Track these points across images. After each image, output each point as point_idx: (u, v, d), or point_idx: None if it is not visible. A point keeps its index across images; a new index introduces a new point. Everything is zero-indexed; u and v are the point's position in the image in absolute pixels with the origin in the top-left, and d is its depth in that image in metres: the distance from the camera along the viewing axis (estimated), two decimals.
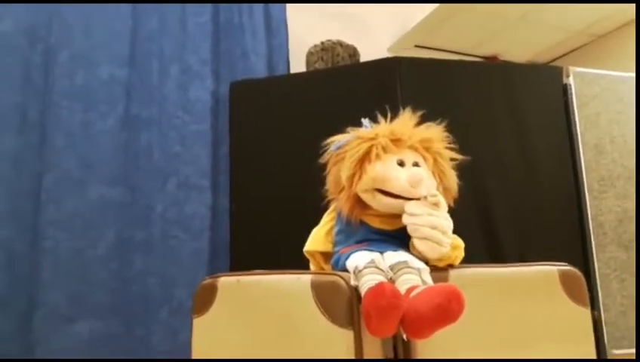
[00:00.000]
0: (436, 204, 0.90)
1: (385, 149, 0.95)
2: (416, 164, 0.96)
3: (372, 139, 0.97)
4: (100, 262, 1.67)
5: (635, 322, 1.69)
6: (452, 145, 1.04)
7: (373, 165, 0.94)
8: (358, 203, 0.96)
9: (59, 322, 1.59)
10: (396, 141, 0.97)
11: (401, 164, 0.94)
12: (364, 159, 0.95)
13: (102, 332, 1.63)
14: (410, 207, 0.90)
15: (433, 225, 0.89)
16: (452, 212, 1.04)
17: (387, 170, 0.93)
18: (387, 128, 0.99)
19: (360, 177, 0.95)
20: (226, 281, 0.95)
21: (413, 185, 0.91)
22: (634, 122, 1.87)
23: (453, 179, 1.02)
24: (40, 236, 1.63)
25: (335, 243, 1.01)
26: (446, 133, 1.04)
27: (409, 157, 0.96)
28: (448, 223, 0.92)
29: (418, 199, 0.92)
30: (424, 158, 0.98)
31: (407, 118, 1.02)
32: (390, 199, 0.92)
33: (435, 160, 0.99)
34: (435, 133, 1.02)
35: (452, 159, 1.03)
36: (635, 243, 1.78)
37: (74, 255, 1.64)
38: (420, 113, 1.03)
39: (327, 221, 1.06)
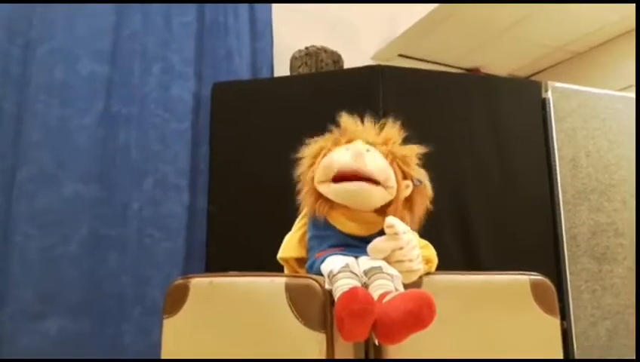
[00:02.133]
0: (396, 234, 0.88)
1: (335, 143, 1.00)
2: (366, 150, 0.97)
3: (325, 138, 1.02)
4: (71, 260, 1.64)
5: (604, 332, 1.72)
6: (411, 141, 1.04)
7: (325, 157, 0.97)
8: (321, 198, 0.98)
9: (27, 319, 1.55)
10: (345, 133, 1.01)
11: (349, 150, 0.96)
12: (317, 155, 1.00)
13: (71, 331, 1.60)
14: (372, 250, 0.89)
15: (399, 259, 0.89)
16: (429, 217, 1.05)
17: (334, 155, 0.96)
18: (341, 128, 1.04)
19: (314, 171, 0.98)
20: (199, 282, 0.94)
21: (354, 156, 0.92)
22: (608, 138, 1.91)
23: (417, 169, 1.01)
24: (10, 231, 1.59)
25: (309, 249, 1.01)
26: (412, 135, 1.05)
27: (357, 143, 0.98)
28: (412, 245, 0.91)
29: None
30: (376, 147, 0.99)
31: (367, 123, 1.05)
32: (340, 184, 0.93)
33: (389, 149, 0.99)
34: (391, 129, 1.04)
35: (417, 156, 1.03)
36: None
37: (45, 251, 1.61)
38: (396, 122, 1.05)
39: (299, 227, 1.07)
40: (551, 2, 2.48)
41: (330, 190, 0.95)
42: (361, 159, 0.92)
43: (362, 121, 1.05)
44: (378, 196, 0.93)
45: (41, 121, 1.68)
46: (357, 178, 0.92)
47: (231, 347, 0.86)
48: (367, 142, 0.99)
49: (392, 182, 0.95)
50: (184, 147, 1.88)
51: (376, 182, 0.92)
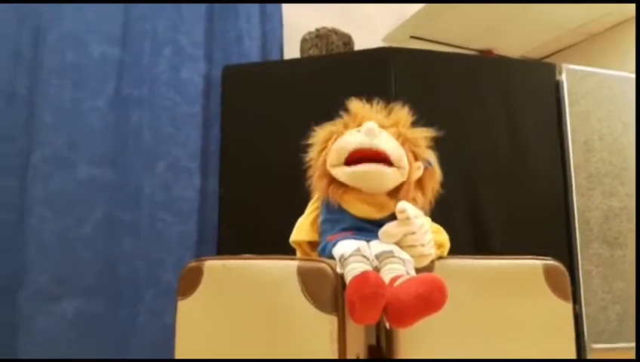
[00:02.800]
0: (408, 219, 0.88)
1: (345, 127, 0.99)
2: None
3: (335, 123, 1.02)
4: (86, 242, 1.66)
5: (614, 317, 1.72)
6: (421, 125, 1.03)
7: (337, 141, 0.97)
8: (333, 182, 0.97)
9: (43, 301, 1.58)
10: (355, 117, 1.00)
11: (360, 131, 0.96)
12: (328, 140, 0.99)
13: (86, 313, 1.63)
14: (383, 235, 0.89)
15: (411, 244, 0.89)
16: (442, 201, 1.04)
17: (345, 137, 0.96)
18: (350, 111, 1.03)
19: (327, 154, 0.98)
20: (212, 265, 0.95)
21: (367, 133, 0.92)
22: (622, 121, 1.88)
23: (427, 151, 1.01)
24: (26, 214, 1.61)
25: (321, 233, 1.01)
26: (423, 118, 1.04)
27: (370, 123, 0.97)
28: (424, 230, 0.91)
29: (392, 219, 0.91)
30: (385, 127, 0.98)
31: (376, 107, 1.04)
32: (353, 167, 0.93)
33: (399, 131, 0.99)
34: (400, 112, 1.03)
35: (427, 139, 1.02)
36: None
37: (60, 234, 1.63)
38: (405, 104, 1.04)
39: (311, 210, 1.07)
40: None
41: (343, 173, 0.94)
42: (374, 135, 0.92)
43: (371, 105, 1.04)
44: (391, 177, 0.93)
45: (53, 103, 1.69)
46: (370, 159, 0.91)
47: (243, 328, 0.87)
48: (378, 125, 0.98)
49: (405, 163, 0.94)
50: (195, 130, 1.89)
51: (389, 163, 0.92)
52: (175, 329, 0.96)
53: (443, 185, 1.04)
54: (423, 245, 0.89)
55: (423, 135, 1.01)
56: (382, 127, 0.98)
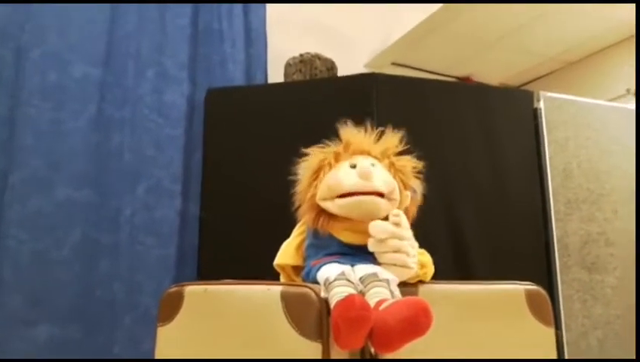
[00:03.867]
0: (397, 224, 0.91)
1: (337, 157, 0.99)
2: (371, 165, 0.97)
3: (325, 151, 1.01)
4: (63, 265, 1.63)
5: (595, 342, 1.73)
6: (407, 152, 1.05)
7: (328, 174, 0.97)
8: (322, 213, 0.97)
9: (17, 325, 1.54)
10: (347, 147, 1.00)
11: (353, 167, 0.96)
12: (319, 170, 0.99)
13: (61, 338, 1.58)
14: (373, 228, 0.90)
15: (397, 248, 0.89)
16: (422, 226, 1.05)
17: (339, 174, 0.96)
18: (341, 140, 1.03)
19: (317, 187, 0.97)
20: (193, 290, 0.93)
21: (363, 177, 0.93)
22: (600, 148, 1.92)
23: (414, 181, 1.03)
24: (2, 235, 1.58)
25: (306, 257, 1.01)
26: (406, 143, 1.06)
27: (362, 160, 0.98)
28: (412, 243, 0.93)
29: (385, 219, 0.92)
30: (378, 160, 1.00)
31: (362, 132, 1.04)
32: (347, 198, 0.93)
33: (391, 162, 1.00)
34: (390, 140, 1.04)
35: (414, 169, 1.04)
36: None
37: (37, 256, 1.59)
38: (395, 131, 1.05)
39: (297, 234, 1.06)
40: (552, 2, 2.48)
41: (335, 205, 0.94)
42: (369, 178, 0.92)
43: (360, 130, 1.04)
44: (384, 208, 0.94)
45: (33, 124, 1.67)
46: (364, 193, 0.92)
47: (225, 356, 0.86)
48: (369, 155, 0.99)
49: (397, 195, 0.96)
50: (177, 152, 1.88)
51: (382, 195, 0.93)
52: (154, 356, 0.94)
53: (422, 210, 1.06)
54: (407, 254, 0.89)
55: (411, 164, 1.03)
56: (373, 157, 0.99)
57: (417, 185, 1.03)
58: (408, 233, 0.93)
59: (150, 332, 1.02)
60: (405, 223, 0.92)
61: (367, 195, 0.92)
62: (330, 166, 0.98)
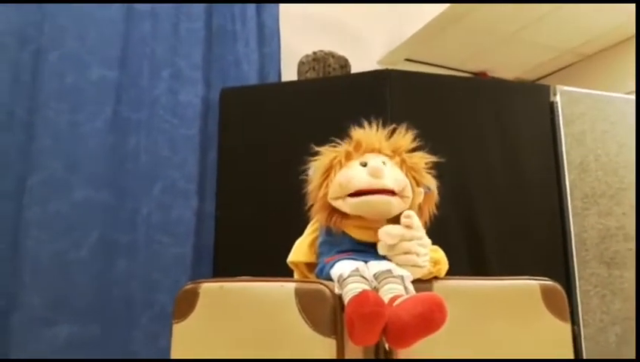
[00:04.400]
0: (409, 226, 0.91)
1: (348, 156, 0.99)
2: (382, 163, 0.97)
3: (336, 150, 1.01)
4: (81, 265, 1.65)
5: (613, 338, 1.71)
6: (421, 149, 1.05)
7: (339, 173, 0.97)
8: (335, 212, 0.98)
9: (37, 324, 1.56)
10: (358, 147, 1.00)
11: (364, 165, 0.96)
12: (330, 169, 0.99)
13: (80, 337, 1.61)
14: (382, 234, 0.91)
15: (406, 250, 0.90)
16: (438, 222, 1.05)
17: (350, 173, 0.96)
18: (351, 139, 1.03)
19: (328, 186, 0.97)
20: (209, 287, 0.94)
21: (373, 174, 0.93)
22: (617, 141, 1.90)
23: (427, 177, 1.02)
24: (22, 236, 1.60)
25: (319, 254, 1.01)
26: (420, 140, 1.05)
27: (373, 158, 0.97)
28: (422, 242, 0.92)
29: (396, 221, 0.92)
30: (390, 158, 0.99)
31: (373, 129, 1.04)
32: (358, 198, 0.93)
33: (402, 159, 1.00)
34: (401, 138, 1.04)
35: (426, 163, 1.03)
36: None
37: (56, 256, 1.62)
38: (406, 128, 1.05)
39: (310, 232, 1.07)
40: (553, 2, 2.46)
41: (347, 204, 0.95)
42: (380, 175, 0.92)
43: (371, 128, 1.04)
44: (396, 206, 0.94)
45: (51, 126, 1.69)
46: (375, 192, 0.92)
47: (240, 352, 0.86)
48: (380, 153, 0.99)
49: (409, 192, 0.96)
50: (192, 152, 1.89)
51: (394, 193, 0.93)
52: (170, 353, 0.95)
53: (439, 207, 1.05)
54: (417, 254, 0.90)
55: (423, 161, 1.02)
56: (384, 155, 0.99)
57: (431, 182, 1.02)
58: (419, 233, 0.92)
59: (167, 330, 1.03)
60: (417, 223, 0.92)
61: (378, 194, 0.92)
62: (341, 164, 0.98)
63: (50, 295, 1.60)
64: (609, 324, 1.73)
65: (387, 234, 0.90)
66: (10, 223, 1.63)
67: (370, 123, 1.05)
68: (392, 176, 0.95)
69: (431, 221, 1.04)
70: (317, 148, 1.04)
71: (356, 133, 1.03)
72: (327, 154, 1.02)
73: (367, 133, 1.03)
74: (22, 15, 1.76)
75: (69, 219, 1.66)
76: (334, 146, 1.04)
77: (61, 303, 1.61)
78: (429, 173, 1.03)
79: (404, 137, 1.03)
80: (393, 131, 1.05)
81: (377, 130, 1.04)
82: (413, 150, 1.03)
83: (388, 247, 0.91)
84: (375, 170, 0.93)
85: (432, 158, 1.04)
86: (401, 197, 0.95)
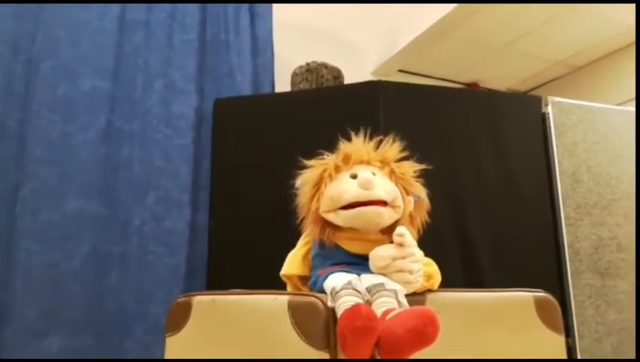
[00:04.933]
0: (401, 244, 0.90)
1: (337, 169, 0.99)
2: (372, 174, 0.97)
3: (325, 163, 1.01)
4: (74, 276, 1.64)
5: (609, 349, 1.71)
6: (409, 158, 1.05)
7: (329, 186, 0.97)
8: (327, 225, 0.98)
9: (29, 336, 1.55)
10: (347, 159, 1.00)
11: (354, 177, 0.97)
12: (320, 182, 0.99)
13: (73, 348, 1.59)
14: (374, 257, 0.90)
15: (399, 269, 0.89)
16: (432, 232, 1.05)
17: (340, 186, 0.96)
18: (340, 151, 1.03)
19: (319, 200, 0.97)
20: (201, 300, 0.94)
21: (364, 186, 0.93)
22: (609, 152, 1.91)
23: (416, 186, 1.03)
24: (14, 247, 1.59)
25: (312, 267, 1.01)
26: (413, 151, 1.05)
27: (362, 170, 0.98)
28: (414, 258, 0.92)
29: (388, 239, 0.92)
30: (379, 168, 1.00)
31: (360, 140, 1.05)
32: (350, 210, 0.93)
33: (391, 169, 1.00)
34: (389, 148, 1.04)
35: (415, 173, 1.04)
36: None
37: (48, 267, 1.61)
38: (393, 137, 1.05)
39: (302, 244, 1.06)
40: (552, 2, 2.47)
41: (339, 217, 0.95)
42: (371, 187, 0.93)
43: (359, 139, 1.05)
44: (387, 216, 0.94)
45: (43, 137, 1.69)
46: (366, 204, 0.92)
47: None
48: (369, 164, 0.99)
49: (400, 202, 0.96)
50: (186, 163, 1.89)
51: (385, 203, 0.93)
52: None
53: (432, 217, 1.06)
54: (410, 272, 0.89)
55: (412, 169, 1.03)
56: (373, 166, 0.99)
57: (420, 190, 1.03)
58: (412, 249, 0.92)
59: (160, 342, 1.03)
60: (410, 241, 0.92)
61: (370, 205, 0.92)
62: (331, 177, 0.98)
63: (42, 306, 1.58)
64: (604, 335, 1.73)
65: (378, 257, 0.90)
66: (2, 233, 1.62)
67: (357, 134, 1.05)
68: (382, 186, 0.95)
69: (424, 230, 1.04)
70: (305, 162, 1.04)
71: (344, 145, 1.03)
72: (316, 167, 1.02)
73: (355, 146, 1.03)
74: (15, 25, 1.76)
75: (62, 229, 1.65)
76: (322, 159, 1.04)
77: (53, 314, 1.59)
78: (418, 181, 1.04)
79: (392, 147, 1.04)
80: (380, 142, 1.05)
81: (365, 141, 1.04)
82: (402, 159, 1.04)
83: (380, 268, 0.90)
84: (365, 182, 0.93)
85: (421, 166, 1.04)
86: (393, 207, 0.95)
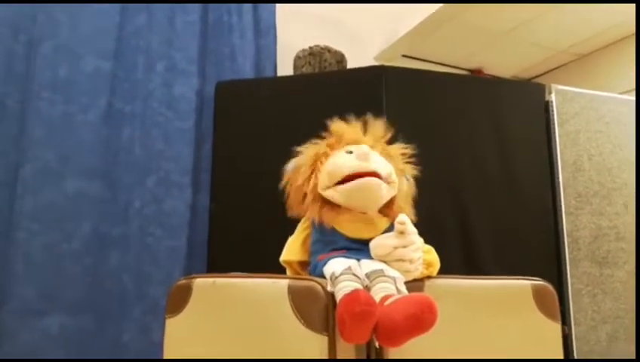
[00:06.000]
0: (402, 232, 0.91)
1: (331, 147, 1.01)
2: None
3: (318, 144, 1.03)
4: (74, 257, 1.65)
5: (604, 337, 1.73)
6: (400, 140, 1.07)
7: (326, 163, 0.98)
8: (326, 204, 0.98)
9: (29, 316, 1.56)
10: (340, 139, 1.02)
11: (350, 153, 0.98)
12: (316, 161, 1.00)
13: (72, 328, 1.61)
14: (375, 246, 0.91)
15: (399, 258, 0.90)
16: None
17: (337, 160, 0.97)
18: (332, 132, 1.05)
19: (317, 177, 0.99)
20: (202, 282, 0.94)
21: (361, 158, 0.94)
22: (611, 141, 1.90)
23: (406, 166, 1.05)
24: (14, 227, 1.60)
25: (312, 253, 1.01)
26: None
27: (357, 147, 0.99)
28: (415, 247, 0.92)
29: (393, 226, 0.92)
30: (371, 147, 1.01)
31: (352, 124, 1.06)
32: (349, 183, 0.94)
33: (382, 147, 1.03)
34: (378, 127, 1.06)
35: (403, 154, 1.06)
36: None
37: (48, 248, 1.62)
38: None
39: (301, 230, 1.07)
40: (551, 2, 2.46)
41: (337, 192, 0.95)
42: (367, 158, 0.94)
43: (348, 123, 1.06)
44: (385, 190, 0.96)
45: (44, 117, 1.68)
46: (363, 176, 0.93)
47: (232, 348, 0.87)
48: (358, 141, 1.01)
49: (394, 178, 0.98)
50: (187, 145, 1.89)
51: (380, 176, 0.95)
52: (163, 347, 0.95)
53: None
54: (410, 261, 0.90)
55: (403, 151, 1.05)
56: (365, 144, 1.00)
57: (409, 171, 1.05)
58: (413, 237, 0.92)
59: (159, 323, 1.04)
60: (411, 228, 0.92)
61: (367, 177, 0.93)
62: (327, 155, 1.00)
63: (42, 286, 1.59)
64: (600, 323, 1.74)
65: (379, 246, 0.91)
66: (3, 213, 1.62)
67: (359, 118, 1.06)
68: (378, 161, 0.96)
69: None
70: (298, 149, 1.05)
71: (335, 126, 1.04)
72: (310, 148, 1.03)
73: (347, 127, 1.05)
74: (15, 6, 1.74)
75: (62, 210, 1.66)
76: (315, 143, 1.05)
77: (53, 295, 1.60)
78: (408, 162, 1.06)
79: (380, 127, 1.06)
80: (366, 123, 1.06)
81: (354, 123, 1.06)
82: (390, 141, 1.06)
83: (381, 256, 0.91)
84: (363, 154, 0.94)
85: (410, 148, 1.06)
86: (388, 182, 0.96)
